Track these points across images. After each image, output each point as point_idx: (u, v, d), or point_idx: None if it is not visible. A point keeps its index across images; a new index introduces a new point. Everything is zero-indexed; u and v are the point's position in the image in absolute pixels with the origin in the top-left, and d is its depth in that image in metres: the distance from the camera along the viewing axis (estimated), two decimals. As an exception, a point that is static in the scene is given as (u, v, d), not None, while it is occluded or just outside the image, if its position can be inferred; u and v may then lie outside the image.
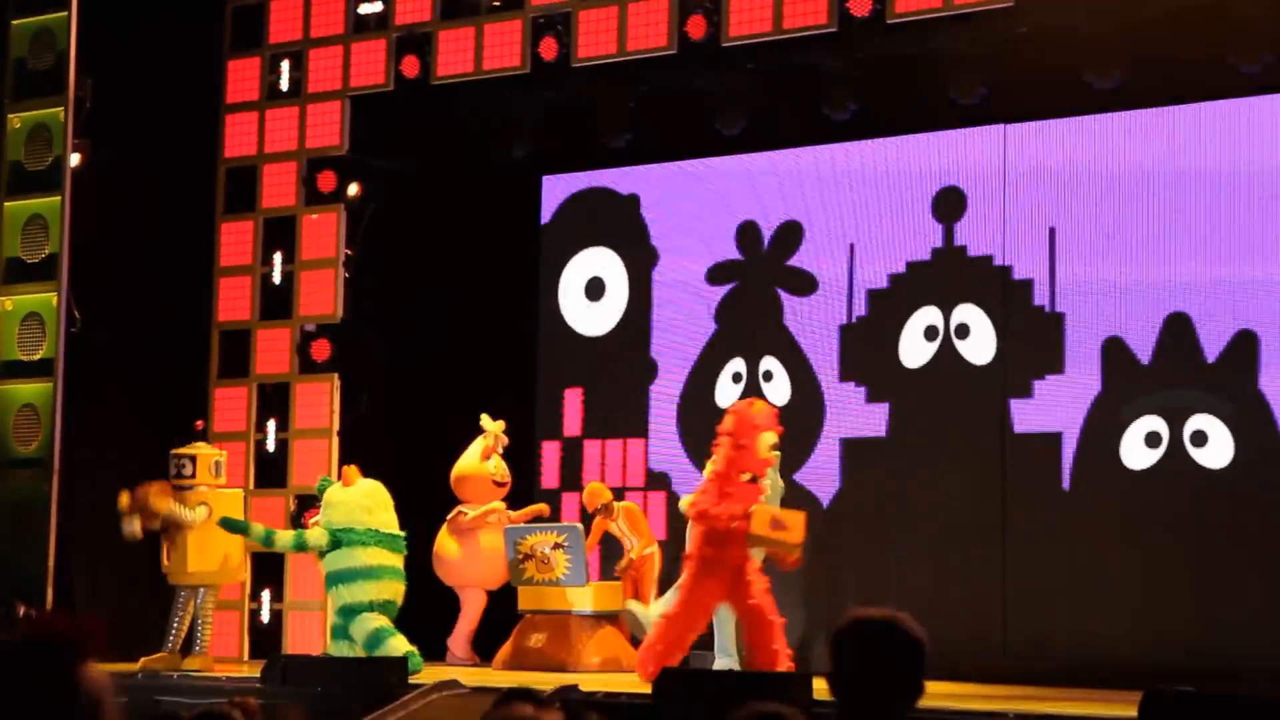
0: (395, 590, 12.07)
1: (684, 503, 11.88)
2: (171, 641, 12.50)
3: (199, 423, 13.51)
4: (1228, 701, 9.27)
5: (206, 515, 12.61)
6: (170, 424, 13.50)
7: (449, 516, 13.52)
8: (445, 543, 13.54)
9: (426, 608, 13.03)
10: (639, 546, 13.15)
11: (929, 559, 12.89)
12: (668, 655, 11.10)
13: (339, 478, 12.60)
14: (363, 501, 12.09)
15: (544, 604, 13.06)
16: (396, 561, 12.10)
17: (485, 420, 13.48)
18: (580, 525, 13.18)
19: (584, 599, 12.95)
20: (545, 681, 10.69)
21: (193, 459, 12.71)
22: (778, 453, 11.64)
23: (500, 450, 13.59)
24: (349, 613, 11.97)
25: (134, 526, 12.36)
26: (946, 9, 12.22)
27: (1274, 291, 12.26)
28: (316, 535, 12.06)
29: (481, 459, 13.33)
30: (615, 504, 13.24)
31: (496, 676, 11.61)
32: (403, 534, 12.19)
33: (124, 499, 12.49)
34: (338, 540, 11.95)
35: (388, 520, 12.16)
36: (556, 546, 12.86)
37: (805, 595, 13.33)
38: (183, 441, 12.98)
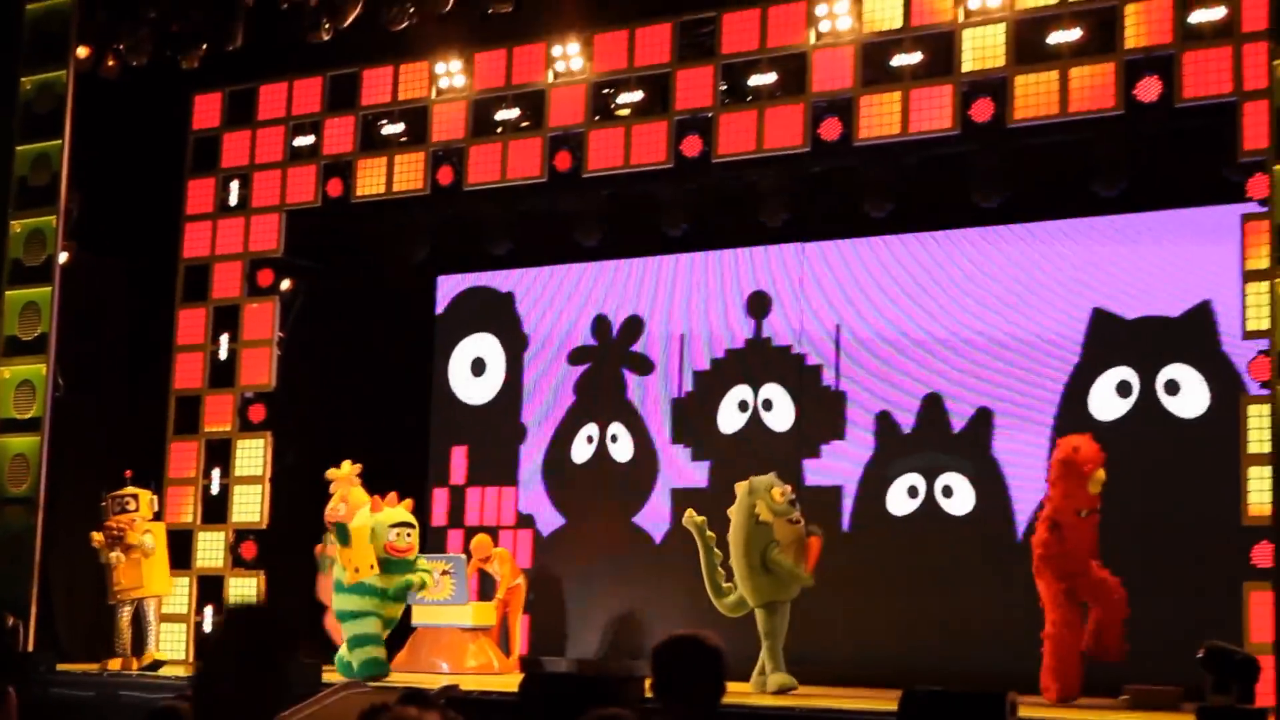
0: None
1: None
2: (123, 647, 12.43)
3: (128, 472, 13.26)
4: (968, 698, 9.52)
5: (154, 542, 12.60)
6: (136, 471, 13.38)
7: None
8: None
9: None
10: (508, 581, 13.15)
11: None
12: (1068, 673, 10.39)
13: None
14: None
15: (433, 619, 12.97)
16: None
17: (332, 472, 12.86)
18: (464, 556, 13.07)
19: (465, 615, 12.89)
20: (433, 682, 10.63)
21: (135, 497, 12.66)
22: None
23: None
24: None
25: (115, 555, 12.38)
26: (758, 151, 12.23)
27: (1006, 380, 12.57)
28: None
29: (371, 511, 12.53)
30: (492, 551, 13.26)
31: (394, 678, 11.54)
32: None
33: (98, 538, 12.48)
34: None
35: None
36: (444, 573, 12.81)
37: (639, 615, 13.45)
38: (116, 487, 12.84)
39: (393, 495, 11.76)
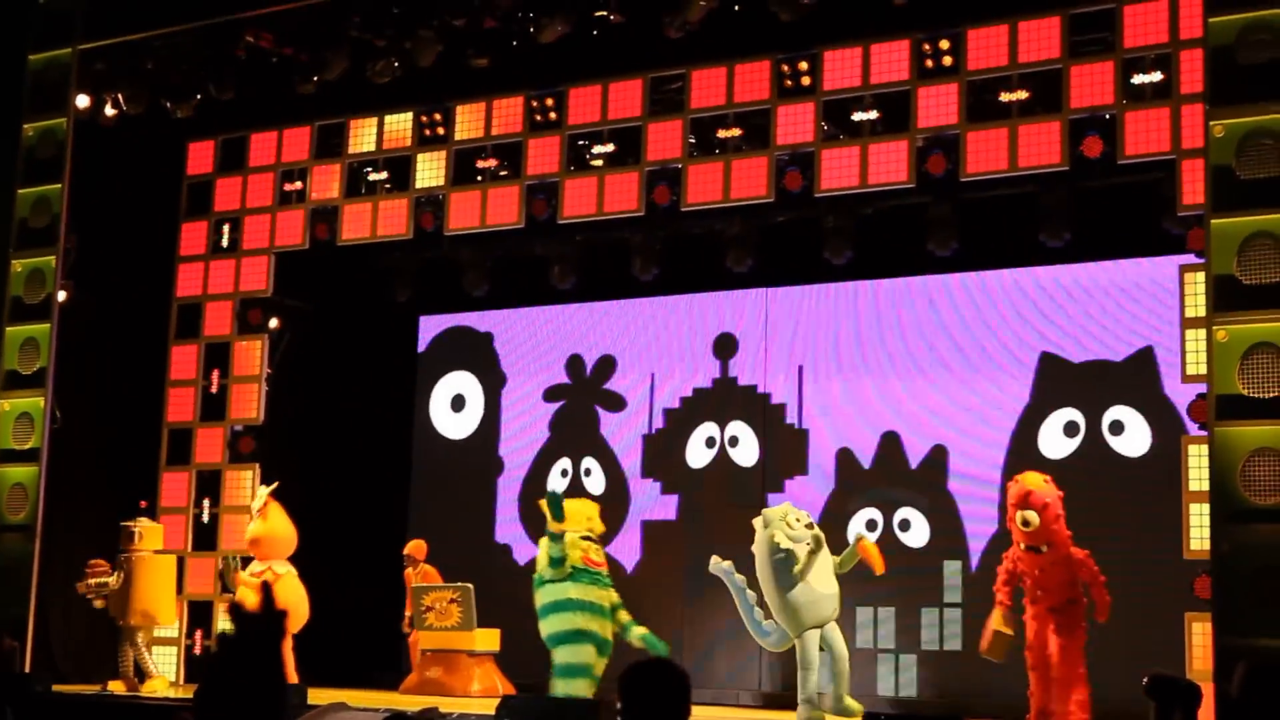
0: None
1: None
2: (124, 668, 12.38)
3: (143, 503, 13.31)
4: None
5: (116, 584, 12.52)
6: (129, 500, 13.38)
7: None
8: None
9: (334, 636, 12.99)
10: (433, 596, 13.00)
11: (710, 613, 12.78)
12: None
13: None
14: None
15: (441, 644, 12.90)
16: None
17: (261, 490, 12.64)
18: (470, 586, 12.89)
19: (471, 641, 12.83)
20: (442, 706, 10.40)
21: (139, 534, 12.58)
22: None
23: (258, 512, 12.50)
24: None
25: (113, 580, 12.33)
26: (725, 201, 12.30)
27: (960, 419, 12.68)
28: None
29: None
30: (423, 565, 13.17)
31: (399, 700, 11.39)
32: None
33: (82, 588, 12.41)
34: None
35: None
36: (452, 601, 12.80)
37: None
38: (130, 516, 12.83)
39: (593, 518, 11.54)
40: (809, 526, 10.59)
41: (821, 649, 10.38)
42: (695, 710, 4.53)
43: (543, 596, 11.23)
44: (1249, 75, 9.13)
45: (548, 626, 11.09)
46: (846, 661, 10.53)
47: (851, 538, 11.01)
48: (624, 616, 11.11)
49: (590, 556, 11.07)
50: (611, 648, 11.12)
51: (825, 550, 10.55)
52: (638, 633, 10.98)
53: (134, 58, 13.16)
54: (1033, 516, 9.96)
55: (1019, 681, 10.42)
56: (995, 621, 10.22)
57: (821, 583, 10.47)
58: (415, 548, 13.35)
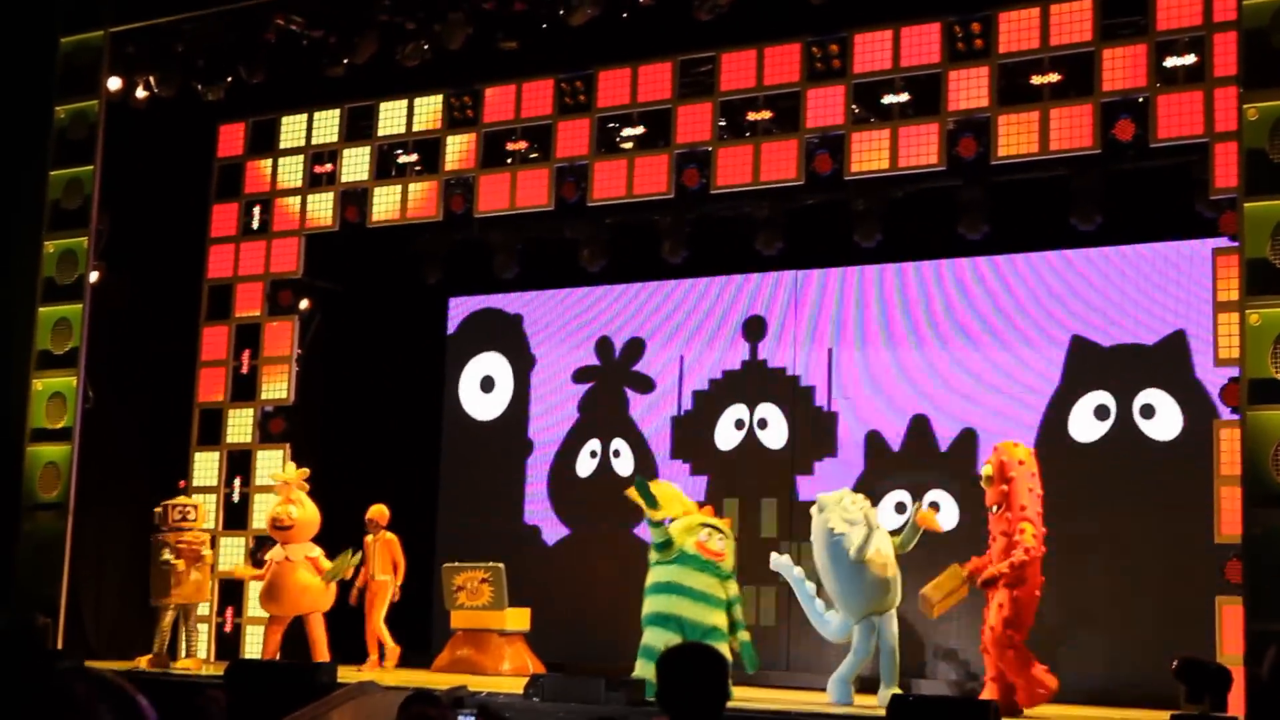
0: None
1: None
2: (161, 645, 12.47)
3: (182, 482, 13.42)
4: (954, 704, 9.58)
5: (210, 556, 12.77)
6: (160, 479, 13.47)
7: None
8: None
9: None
10: (380, 570, 12.88)
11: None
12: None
13: None
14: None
15: (472, 624, 12.98)
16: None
17: (275, 474, 12.84)
18: (501, 565, 13.00)
19: (501, 620, 12.91)
20: (472, 684, 10.52)
21: (195, 508, 12.74)
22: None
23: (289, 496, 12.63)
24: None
25: (180, 562, 12.41)
26: (754, 184, 12.29)
27: (988, 403, 12.68)
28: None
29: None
30: (384, 532, 12.92)
31: (430, 679, 11.40)
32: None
33: (167, 551, 12.46)
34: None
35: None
36: (484, 580, 12.87)
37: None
38: (169, 495, 12.95)
39: (709, 508, 11.18)
40: (864, 511, 10.61)
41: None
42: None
43: (648, 579, 10.75)
44: (1283, 58, 9.08)
45: (644, 608, 10.62)
46: (896, 655, 10.53)
47: (882, 521, 11.01)
48: (738, 614, 10.58)
49: (707, 545, 10.54)
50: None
51: (884, 534, 10.58)
52: (741, 637, 10.52)
53: (165, 40, 13.21)
54: (987, 469, 10.33)
55: (1051, 664, 10.43)
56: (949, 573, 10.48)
57: (879, 567, 10.49)
58: (377, 513, 13.04)
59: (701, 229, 13.30)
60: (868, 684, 10.77)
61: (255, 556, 13.49)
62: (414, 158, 13.72)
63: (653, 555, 10.74)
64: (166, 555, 12.38)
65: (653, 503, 10.67)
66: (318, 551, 12.59)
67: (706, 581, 10.47)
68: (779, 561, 10.85)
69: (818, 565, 10.68)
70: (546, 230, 13.86)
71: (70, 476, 12.41)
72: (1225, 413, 10.59)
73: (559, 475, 14.30)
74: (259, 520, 13.80)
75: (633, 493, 10.79)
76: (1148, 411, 11.97)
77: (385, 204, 13.77)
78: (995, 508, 10.45)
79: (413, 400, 15.21)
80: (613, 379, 14.27)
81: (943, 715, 8.98)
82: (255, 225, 14.36)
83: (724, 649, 9.98)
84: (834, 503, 10.64)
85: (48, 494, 12.44)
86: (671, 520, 10.76)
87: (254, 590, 13.31)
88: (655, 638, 10.33)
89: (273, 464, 13.90)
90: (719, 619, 10.39)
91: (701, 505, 11.36)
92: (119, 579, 13.36)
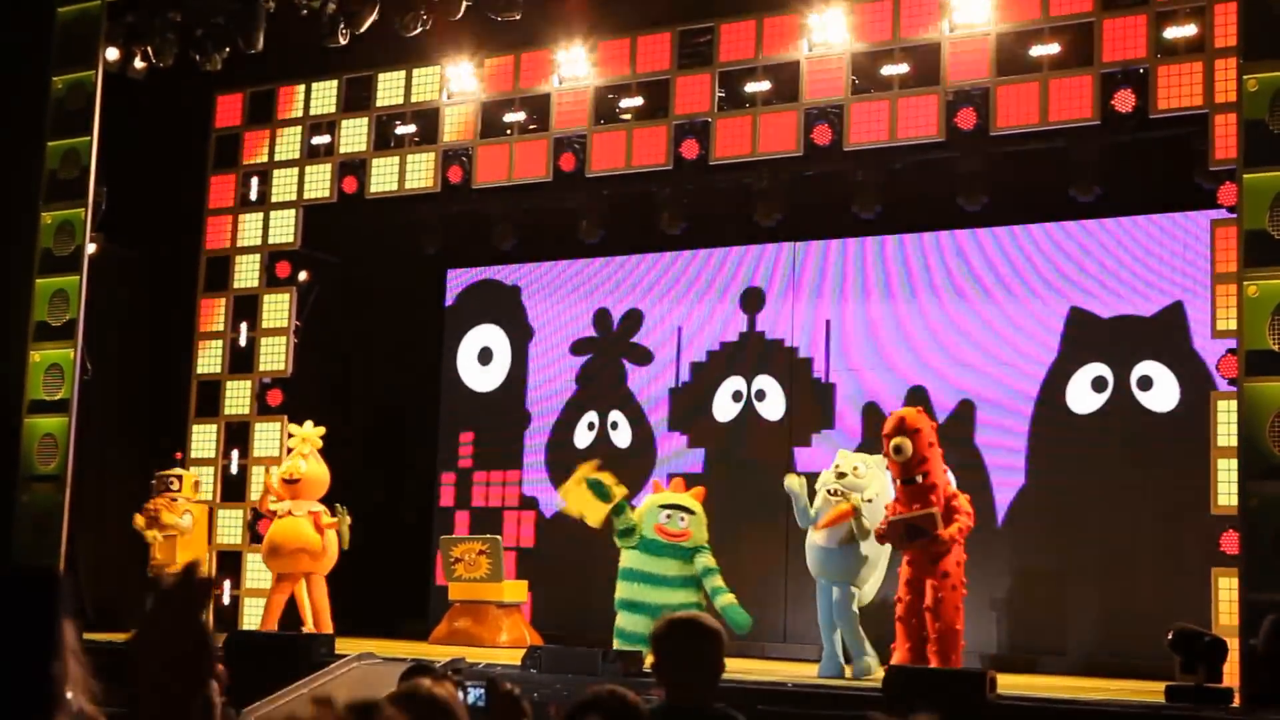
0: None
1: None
2: None
3: (179, 454, 13.43)
4: (951, 674, 9.58)
5: (192, 522, 12.75)
6: (157, 451, 13.47)
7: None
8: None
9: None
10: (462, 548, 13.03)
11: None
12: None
13: None
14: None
15: (469, 595, 12.99)
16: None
17: (294, 429, 12.84)
18: (499, 538, 13.08)
19: (499, 592, 12.93)
20: (470, 656, 10.61)
21: (179, 478, 12.78)
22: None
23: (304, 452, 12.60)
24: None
25: (151, 534, 12.51)
26: (753, 155, 12.31)
27: (986, 372, 12.68)
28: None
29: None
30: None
31: (428, 650, 11.45)
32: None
33: (139, 519, 12.59)
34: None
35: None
36: (481, 553, 12.89)
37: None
38: (165, 466, 12.97)
39: (678, 480, 11.29)
40: (840, 477, 10.50)
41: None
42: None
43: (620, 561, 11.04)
44: (1283, 29, 9.06)
45: (615, 592, 10.93)
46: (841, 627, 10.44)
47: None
48: (714, 582, 10.69)
49: (667, 528, 10.70)
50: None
51: (830, 507, 10.44)
52: (721, 602, 10.60)
53: (163, 10, 13.16)
54: (905, 443, 9.77)
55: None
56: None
57: (821, 537, 10.46)
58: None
59: (700, 200, 13.28)
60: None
61: (254, 530, 13.51)
62: (412, 129, 13.70)
63: (617, 540, 10.94)
64: (140, 522, 12.44)
65: (606, 495, 10.83)
66: (320, 507, 12.57)
67: (668, 565, 10.71)
68: (790, 485, 10.67)
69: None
70: (545, 202, 13.83)
71: (68, 448, 12.39)
72: (1222, 384, 10.60)
73: (557, 447, 14.30)
74: (256, 492, 13.80)
75: (578, 504, 10.92)
76: (1145, 383, 11.98)
77: (383, 175, 13.75)
78: (918, 478, 9.85)
79: (411, 372, 15.19)
80: (611, 350, 14.26)
81: (939, 686, 8.99)
82: (253, 196, 14.35)
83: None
84: (845, 462, 10.59)
85: (45, 466, 12.42)
86: (630, 501, 10.95)
87: (252, 562, 13.35)
88: (626, 621, 10.66)
89: (270, 435, 13.92)
90: (686, 596, 10.58)
91: (671, 479, 11.48)
92: (116, 551, 13.36)
